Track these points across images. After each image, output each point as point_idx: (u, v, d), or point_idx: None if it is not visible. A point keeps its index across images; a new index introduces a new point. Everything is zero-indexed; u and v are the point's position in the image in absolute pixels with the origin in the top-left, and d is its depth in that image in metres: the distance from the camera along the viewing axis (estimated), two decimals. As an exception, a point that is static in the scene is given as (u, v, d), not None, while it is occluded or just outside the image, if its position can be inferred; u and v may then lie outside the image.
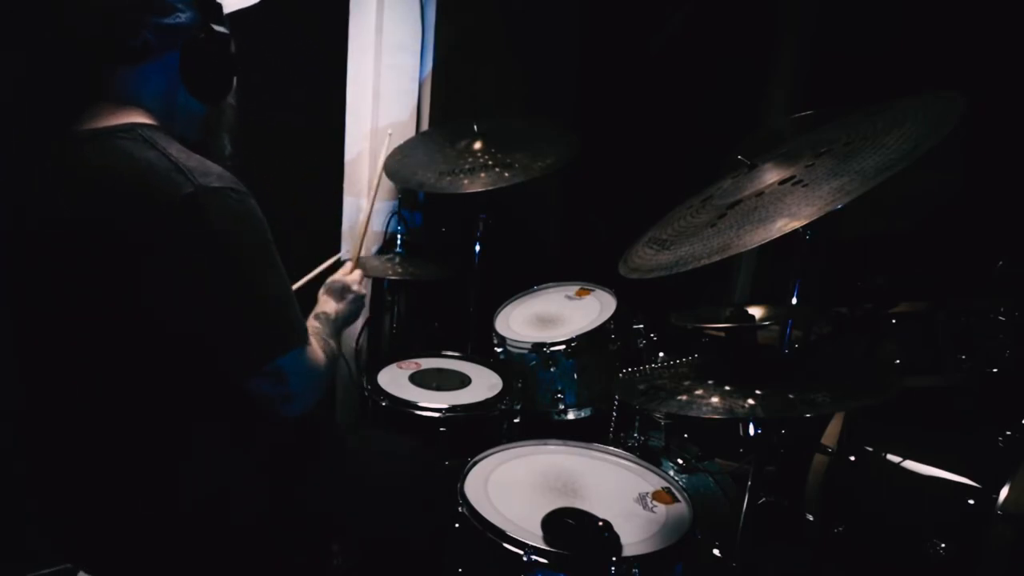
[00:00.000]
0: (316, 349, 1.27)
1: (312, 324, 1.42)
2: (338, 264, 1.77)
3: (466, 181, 2.33)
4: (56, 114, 1.24)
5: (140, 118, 1.22)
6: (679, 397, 1.41)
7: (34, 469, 1.30)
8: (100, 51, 1.23)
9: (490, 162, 2.40)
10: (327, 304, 1.53)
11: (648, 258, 1.45)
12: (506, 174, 2.32)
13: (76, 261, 1.14)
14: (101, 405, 1.20)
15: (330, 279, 1.61)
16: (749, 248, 1.22)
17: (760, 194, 1.38)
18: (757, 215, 1.29)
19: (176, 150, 1.16)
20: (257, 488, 1.29)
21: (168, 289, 1.12)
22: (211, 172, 1.15)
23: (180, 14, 1.24)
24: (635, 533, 1.44)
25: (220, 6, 1.31)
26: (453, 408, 1.99)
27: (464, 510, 1.49)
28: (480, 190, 2.29)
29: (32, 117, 1.28)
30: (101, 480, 1.23)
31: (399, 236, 2.63)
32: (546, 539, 1.39)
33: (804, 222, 1.19)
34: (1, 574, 2.07)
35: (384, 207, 2.78)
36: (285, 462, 1.36)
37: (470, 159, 2.43)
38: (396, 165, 2.51)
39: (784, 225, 1.21)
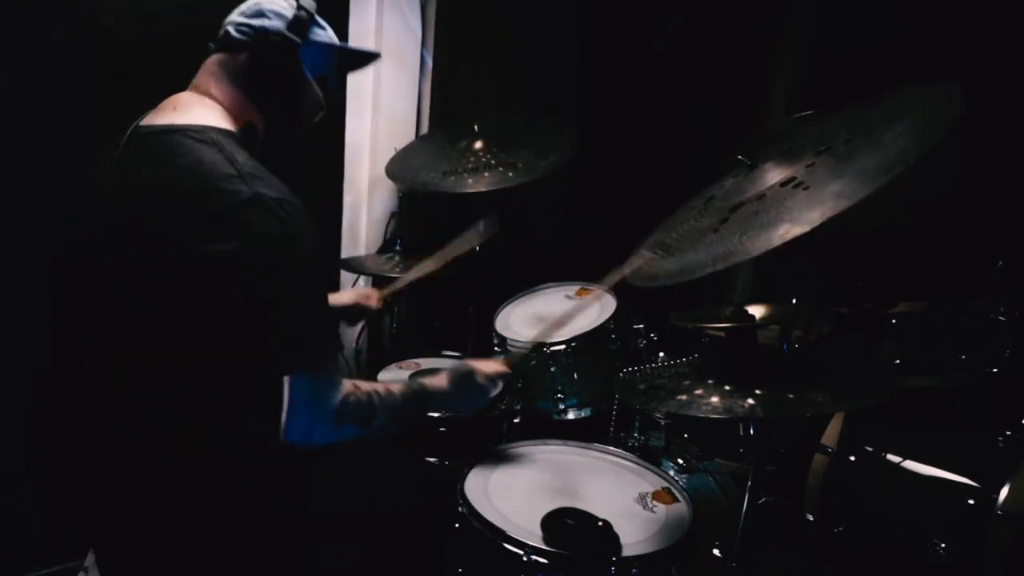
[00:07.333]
0: (343, 390, 1.25)
1: (393, 382, 1.39)
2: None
3: (470, 180, 2.33)
4: None
5: (214, 117, 1.29)
6: (679, 397, 1.41)
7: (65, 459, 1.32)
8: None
9: (492, 161, 2.40)
10: (435, 378, 1.45)
11: (654, 265, 1.44)
12: (510, 174, 2.32)
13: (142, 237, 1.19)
14: (121, 387, 1.22)
15: (464, 361, 1.53)
16: (752, 256, 1.21)
17: (761, 197, 1.36)
18: (759, 220, 1.28)
19: (243, 158, 1.21)
20: (259, 489, 1.29)
21: (213, 283, 1.15)
22: (271, 183, 1.20)
23: (268, 19, 1.29)
24: (635, 533, 1.44)
25: (307, 26, 1.34)
26: (453, 408, 1.98)
27: (464, 510, 1.49)
28: (485, 189, 2.29)
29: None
30: (118, 471, 1.25)
31: (399, 236, 2.63)
32: (546, 539, 1.38)
33: (806, 228, 1.17)
34: (1, 574, 2.07)
35: (384, 207, 2.78)
36: (284, 463, 1.36)
37: (472, 159, 2.43)
38: (398, 170, 2.50)
39: (786, 232, 1.19)
